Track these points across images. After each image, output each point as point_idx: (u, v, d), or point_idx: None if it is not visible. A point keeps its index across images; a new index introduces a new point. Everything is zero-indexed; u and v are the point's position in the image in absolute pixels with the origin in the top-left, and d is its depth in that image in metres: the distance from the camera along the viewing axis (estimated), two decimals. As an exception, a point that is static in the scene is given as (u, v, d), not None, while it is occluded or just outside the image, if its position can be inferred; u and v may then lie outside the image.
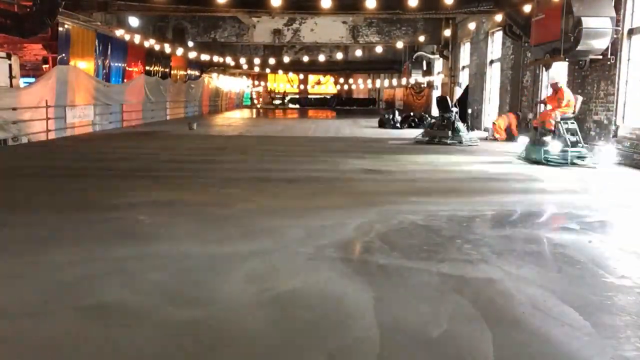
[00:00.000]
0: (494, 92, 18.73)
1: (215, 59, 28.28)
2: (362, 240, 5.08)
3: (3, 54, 14.19)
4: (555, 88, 10.78)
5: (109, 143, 14.17)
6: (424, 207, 6.45)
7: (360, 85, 44.43)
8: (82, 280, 3.95)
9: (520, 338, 3.07)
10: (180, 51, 24.26)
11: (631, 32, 10.73)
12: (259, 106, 51.17)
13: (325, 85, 56.34)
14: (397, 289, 3.82)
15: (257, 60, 31.90)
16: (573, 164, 10.13)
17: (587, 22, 10.73)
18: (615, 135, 10.85)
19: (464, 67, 23.16)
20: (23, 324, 3.24)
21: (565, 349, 2.94)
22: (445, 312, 3.41)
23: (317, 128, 21.95)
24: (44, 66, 17.23)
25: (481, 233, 5.40)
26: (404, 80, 32.18)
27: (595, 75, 11.57)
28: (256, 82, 51.25)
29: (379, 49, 27.57)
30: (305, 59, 31.87)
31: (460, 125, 14.58)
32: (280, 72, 43.27)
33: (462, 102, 20.01)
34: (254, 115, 34.84)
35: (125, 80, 20.91)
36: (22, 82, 15.98)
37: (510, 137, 15.34)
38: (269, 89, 54.14)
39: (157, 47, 21.62)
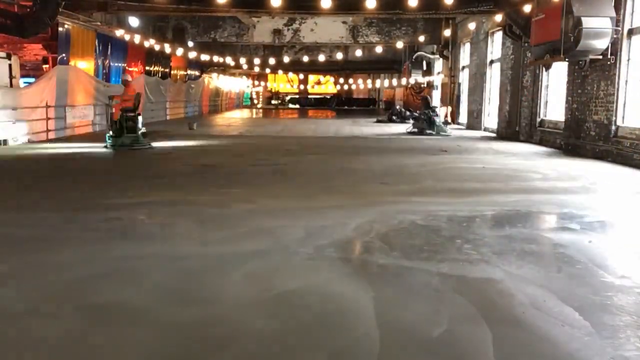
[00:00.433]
0: (494, 92, 18.73)
1: (215, 59, 28.26)
2: (362, 240, 5.08)
3: (3, 54, 14.19)
4: None
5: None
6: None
7: (360, 86, 44.32)
8: (82, 280, 3.96)
9: (520, 338, 3.08)
10: (180, 51, 24.24)
11: (631, 32, 10.73)
12: (259, 106, 51.15)
13: (325, 85, 56.26)
14: (397, 289, 3.82)
15: (257, 60, 31.86)
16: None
17: (587, 22, 10.72)
18: (615, 135, 10.85)
19: (463, 67, 23.15)
20: (23, 324, 3.24)
21: (565, 349, 2.95)
22: (445, 312, 3.41)
23: (317, 128, 21.94)
24: (44, 66, 17.21)
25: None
26: (403, 80, 32.18)
27: (595, 75, 11.57)
28: (256, 82, 51.23)
29: (378, 49, 27.55)
30: (305, 59, 31.84)
31: (437, 119, 18.58)
32: (280, 72, 43.25)
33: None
34: (254, 116, 34.82)
35: (124, 80, 20.86)
36: (22, 82, 15.98)
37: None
38: (268, 89, 54.09)
39: (157, 47, 21.62)
